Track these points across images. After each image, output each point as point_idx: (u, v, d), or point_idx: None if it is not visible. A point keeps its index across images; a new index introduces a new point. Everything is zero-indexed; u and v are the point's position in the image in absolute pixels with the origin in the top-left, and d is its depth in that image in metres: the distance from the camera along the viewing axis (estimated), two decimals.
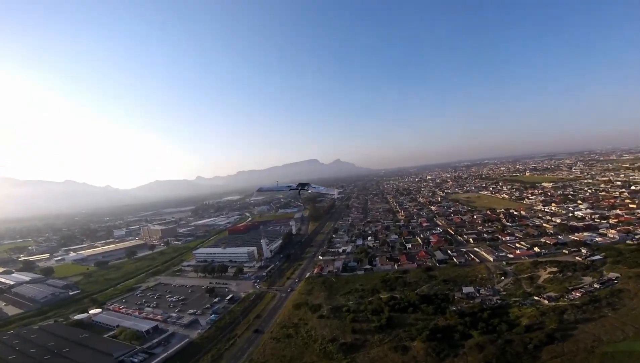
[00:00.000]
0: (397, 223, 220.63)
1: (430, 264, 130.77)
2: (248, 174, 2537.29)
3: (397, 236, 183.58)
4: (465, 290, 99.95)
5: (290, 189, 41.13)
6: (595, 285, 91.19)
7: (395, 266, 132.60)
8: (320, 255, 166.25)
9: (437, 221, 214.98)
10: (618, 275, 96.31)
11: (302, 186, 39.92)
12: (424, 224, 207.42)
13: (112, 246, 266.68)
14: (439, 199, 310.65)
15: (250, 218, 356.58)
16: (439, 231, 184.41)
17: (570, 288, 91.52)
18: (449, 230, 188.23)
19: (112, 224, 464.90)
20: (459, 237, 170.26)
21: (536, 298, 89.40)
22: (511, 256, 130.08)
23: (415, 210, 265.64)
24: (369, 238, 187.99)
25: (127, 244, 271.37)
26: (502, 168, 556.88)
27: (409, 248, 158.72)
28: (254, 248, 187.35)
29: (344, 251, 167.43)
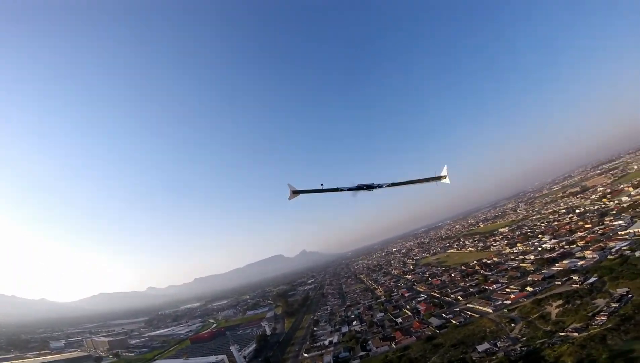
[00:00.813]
0: (378, 300, 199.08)
1: (429, 333, 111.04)
2: (206, 280, 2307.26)
3: (383, 314, 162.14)
4: (481, 347, 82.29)
5: (349, 190, 31.10)
6: (613, 305, 79.41)
7: (393, 345, 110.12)
8: (305, 352, 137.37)
9: (418, 288, 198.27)
10: (627, 289, 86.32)
11: (368, 187, 30.76)
12: (406, 294, 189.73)
13: (47, 358, 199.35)
14: (412, 267, 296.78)
15: (214, 325, 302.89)
16: (424, 298, 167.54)
17: (590, 314, 78.47)
18: (432, 294, 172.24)
19: (48, 335, 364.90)
20: (447, 298, 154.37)
21: (562, 334, 74.45)
22: (508, 302, 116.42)
23: (392, 283, 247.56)
24: (354, 322, 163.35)
25: (66, 355, 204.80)
26: (457, 226, 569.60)
27: (401, 323, 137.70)
28: (223, 356, 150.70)
29: (330, 342, 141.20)
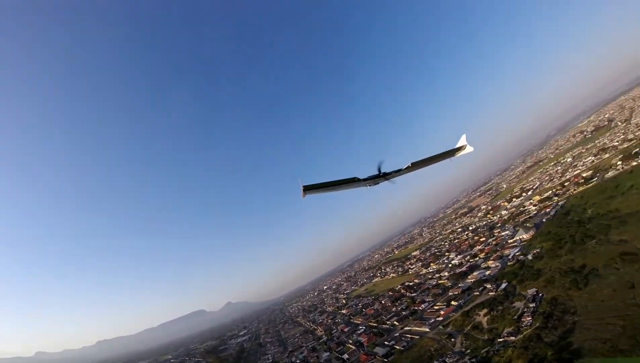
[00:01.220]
0: (320, 340, 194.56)
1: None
2: (112, 342, 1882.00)
3: (328, 353, 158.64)
4: None
5: (363, 180, 27.42)
6: (531, 305, 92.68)
7: None
8: None
9: (355, 321, 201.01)
10: (535, 289, 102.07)
11: (385, 175, 27.45)
12: (346, 329, 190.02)
13: None
14: (344, 301, 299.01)
15: None
16: (363, 329, 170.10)
17: (515, 317, 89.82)
18: (370, 323, 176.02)
19: None
20: (384, 325, 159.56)
21: (500, 340, 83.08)
22: (440, 318, 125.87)
23: (330, 320, 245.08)
24: None
25: None
26: (376, 256, 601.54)
27: (347, 358, 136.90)
28: None
29: None
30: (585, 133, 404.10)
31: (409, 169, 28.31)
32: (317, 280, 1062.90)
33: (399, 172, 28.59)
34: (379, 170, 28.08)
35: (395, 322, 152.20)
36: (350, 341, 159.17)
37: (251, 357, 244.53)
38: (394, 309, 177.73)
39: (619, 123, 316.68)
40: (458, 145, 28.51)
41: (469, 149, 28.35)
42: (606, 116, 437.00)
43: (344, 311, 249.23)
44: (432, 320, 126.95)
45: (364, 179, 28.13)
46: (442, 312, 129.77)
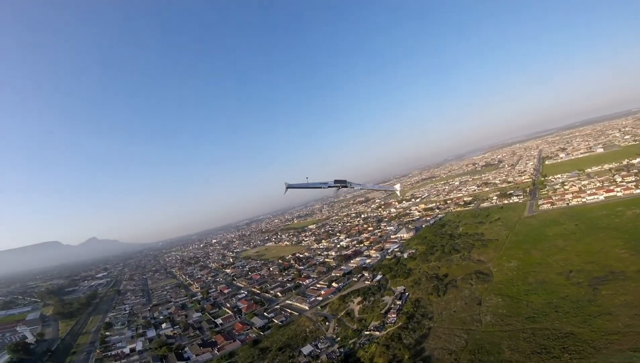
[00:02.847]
0: (194, 298, 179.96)
1: (254, 335, 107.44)
2: None
3: (200, 314, 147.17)
4: (306, 350, 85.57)
5: (328, 187, 35.84)
6: (397, 302, 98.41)
7: (216, 351, 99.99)
8: None
9: (238, 284, 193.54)
10: (403, 287, 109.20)
11: (341, 183, 35.73)
12: (226, 291, 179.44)
13: None
14: (232, 260, 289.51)
15: None
16: (244, 294, 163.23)
17: (383, 312, 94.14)
18: (253, 289, 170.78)
19: None
20: (267, 294, 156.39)
21: (367, 332, 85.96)
22: (320, 298, 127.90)
23: (210, 278, 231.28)
24: (164, 325, 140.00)
25: None
26: (276, 221, 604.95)
27: (221, 324, 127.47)
28: None
29: (132, 350, 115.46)
30: (476, 166, 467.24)
31: (359, 187, 39.19)
32: (207, 232, 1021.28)
33: (352, 186, 36.67)
34: (337, 181, 35.74)
35: (278, 293, 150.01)
36: (228, 305, 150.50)
37: (104, 305, 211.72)
38: (280, 278, 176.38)
39: (506, 166, 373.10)
40: (393, 188, 41.03)
41: (396, 192, 41.56)
42: (498, 156, 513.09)
43: (228, 271, 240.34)
44: (313, 299, 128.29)
45: (330, 186, 35.57)
46: (322, 292, 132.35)
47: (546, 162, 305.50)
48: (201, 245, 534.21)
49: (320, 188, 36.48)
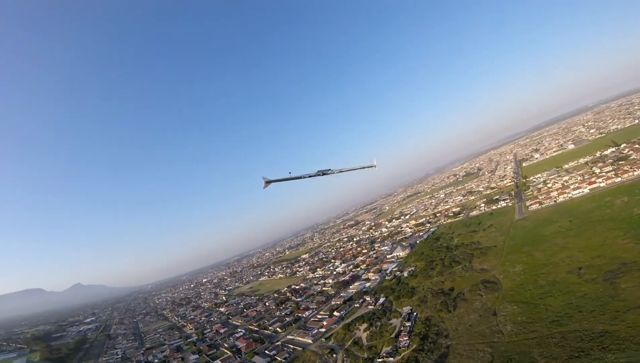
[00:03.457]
0: (189, 340, 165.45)
1: None
2: None
3: (197, 356, 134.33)
4: None
5: (309, 177, 36.17)
6: (406, 323, 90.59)
7: None
8: None
9: (234, 322, 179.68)
10: (410, 307, 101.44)
11: (324, 171, 36.96)
12: (222, 330, 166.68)
13: None
14: (225, 298, 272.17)
15: None
16: (242, 333, 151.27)
17: (393, 336, 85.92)
18: (250, 326, 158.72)
19: None
20: (265, 330, 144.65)
21: (380, 360, 77.42)
22: (323, 330, 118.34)
23: (204, 318, 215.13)
24: None
25: None
26: (267, 254, 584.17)
27: None
28: None
29: None
30: (457, 176, 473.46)
31: (337, 172, 38.69)
32: (197, 271, 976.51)
33: (331, 172, 37.57)
34: (320, 171, 37.17)
35: (278, 329, 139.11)
36: (226, 344, 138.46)
37: (94, 349, 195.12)
38: (277, 313, 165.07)
39: (486, 173, 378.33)
40: (370, 163, 42.68)
41: (375, 167, 42.82)
42: (476, 165, 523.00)
43: (222, 309, 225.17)
44: (315, 331, 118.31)
45: (311, 175, 36.17)
46: (325, 323, 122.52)
47: (523, 164, 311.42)
48: (192, 285, 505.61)
49: (301, 178, 35.80)
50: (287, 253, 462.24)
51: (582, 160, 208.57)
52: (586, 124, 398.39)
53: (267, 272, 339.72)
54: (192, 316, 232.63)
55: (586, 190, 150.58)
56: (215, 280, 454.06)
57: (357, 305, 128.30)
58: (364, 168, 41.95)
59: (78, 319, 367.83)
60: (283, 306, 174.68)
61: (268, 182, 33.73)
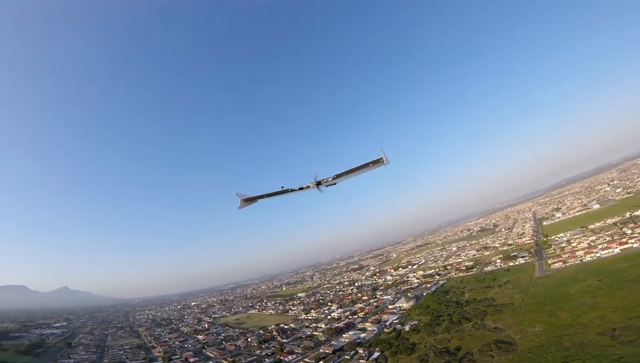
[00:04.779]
0: None
1: None
2: None
3: None
4: None
5: (301, 189, 26.82)
6: None
7: None
8: None
9: (208, 353, 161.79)
10: None
11: (318, 184, 26.32)
12: (191, 359, 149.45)
13: None
14: (207, 325, 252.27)
15: None
16: None
17: None
18: (223, 361, 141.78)
19: None
20: None
21: None
22: None
23: (177, 343, 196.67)
24: None
25: None
26: (263, 287, 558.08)
27: None
28: None
29: None
30: (471, 231, 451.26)
31: (335, 179, 27.21)
32: (188, 294, 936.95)
33: (327, 181, 27.28)
34: (316, 180, 27.10)
35: None
36: None
37: (46, 355, 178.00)
38: (258, 352, 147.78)
39: (503, 229, 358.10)
40: (376, 158, 25.95)
41: (385, 162, 25.74)
42: (492, 221, 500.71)
43: (200, 337, 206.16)
44: None
45: (298, 189, 27.32)
46: None
47: (544, 223, 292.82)
48: (178, 307, 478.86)
49: (289, 191, 26.56)
50: (284, 288, 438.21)
51: (609, 220, 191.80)
52: (611, 183, 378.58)
53: (259, 306, 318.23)
54: (166, 339, 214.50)
55: (616, 250, 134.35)
56: (204, 306, 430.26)
57: (348, 357, 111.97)
58: (369, 166, 26.01)
59: (47, 322, 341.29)
60: (266, 345, 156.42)
61: (246, 200, 25.85)
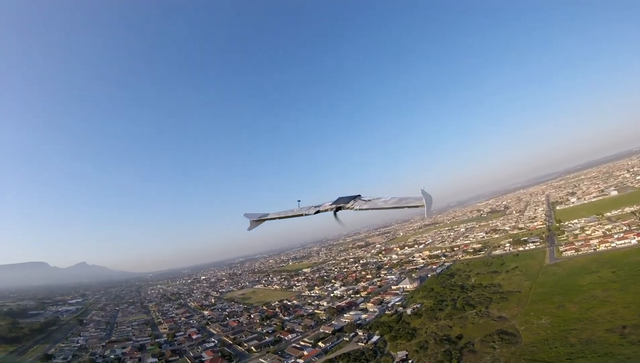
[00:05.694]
0: (157, 340, 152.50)
1: None
2: None
3: (155, 360, 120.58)
4: None
5: (317, 213, 20.62)
6: None
7: None
8: None
9: (211, 329, 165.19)
10: (405, 352, 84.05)
11: (339, 207, 19.20)
12: (194, 336, 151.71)
13: None
14: (213, 300, 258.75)
15: None
16: (214, 344, 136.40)
17: None
18: (225, 338, 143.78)
19: None
20: (239, 347, 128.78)
21: None
22: (301, 361, 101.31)
23: (183, 319, 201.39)
24: None
25: None
26: (271, 261, 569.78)
27: None
28: None
29: None
30: (481, 212, 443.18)
31: (357, 207, 19.48)
32: (199, 267, 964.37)
33: (349, 207, 19.64)
34: (336, 203, 20.25)
35: (252, 347, 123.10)
36: (191, 353, 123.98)
37: (58, 333, 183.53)
38: (259, 329, 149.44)
39: (514, 212, 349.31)
40: (415, 198, 17.25)
41: (426, 211, 16.77)
42: (503, 203, 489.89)
43: (205, 312, 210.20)
44: (292, 361, 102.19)
45: (315, 213, 21.30)
46: (305, 353, 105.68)
47: (557, 207, 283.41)
48: (189, 281, 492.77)
49: (303, 215, 22.30)
50: (290, 263, 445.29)
51: (627, 209, 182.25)
52: (631, 170, 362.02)
53: (265, 280, 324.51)
54: (173, 315, 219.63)
55: (634, 241, 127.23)
56: (213, 280, 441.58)
57: (347, 339, 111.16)
58: (404, 205, 18.31)
59: (64, 299, 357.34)
60: (267, 322, 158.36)
61: (256, 221, 24.24)
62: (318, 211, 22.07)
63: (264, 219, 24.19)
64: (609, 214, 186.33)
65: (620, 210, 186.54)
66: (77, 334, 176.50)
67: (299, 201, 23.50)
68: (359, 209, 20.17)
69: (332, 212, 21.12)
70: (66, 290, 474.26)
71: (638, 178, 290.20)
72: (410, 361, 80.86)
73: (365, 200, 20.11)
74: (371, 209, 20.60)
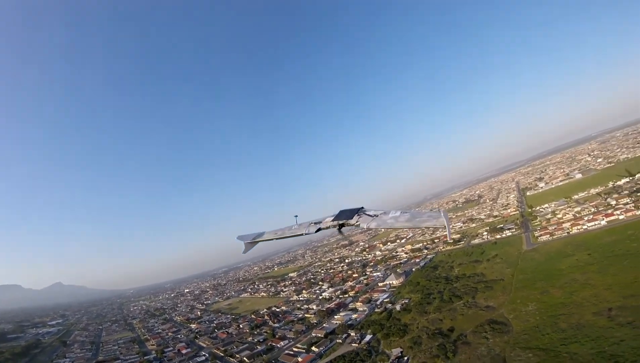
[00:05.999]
0: (146, 357, 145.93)
1: None
2: None
3: None
4: None
5: (319, 231, 19.19)
6: None
7: None
8: None
9: (201, 343, 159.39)
10: (400, 349, 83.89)
11: (342, 224, 18.07)
12: (184, 351, 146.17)
13: None
14: (199, 313, 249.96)
15: None
16: (204, 358, 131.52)
17: None
18: (216, 351, 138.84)
19: None
20: (231, 358, 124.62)
21: None
22: None
23: (170, 334, 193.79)
24: None
25: None
26: (256, 268, 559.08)
27: None
28: None
29: None
30: (457, 203, 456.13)
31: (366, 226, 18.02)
32: (182, 280, 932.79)
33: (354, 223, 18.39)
34: (338, 220, 18.99)
35: (245, 358, 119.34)
36: None
37: (42, 356, 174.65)
38: (250, 338, 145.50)
39: (487, 200, 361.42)
40: (434, 223, 15.96)
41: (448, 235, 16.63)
42: (477, 192, 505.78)
43: (193, 326, 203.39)
44: None
45: (316, 231, 20.29)
46: (299, 359, 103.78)
47: (527, 193, 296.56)
48: (172, 295, 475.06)
49: (303, 234, 21.02)
50: (276, 269, 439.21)
51: (593, 190, 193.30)
52: (592, 154, 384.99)
53: (251, 289, 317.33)
54: (159, 330, 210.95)
55: (603, 222, 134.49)
56: (197, 292, 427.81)
57: (340, 341, 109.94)
58: (419, 225, 16.87)
59: (43, 320, 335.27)
60: (258, 331, 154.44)
61: (250, 243, 22.91)
62: (319, 229, 20.51)
63: (259, 241, 22.74)
64: (576, 196, 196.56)
65: (586, 192, 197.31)
66: (62, 356, 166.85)
67: (296, 216, 21.90)
68: (367, 229, 19.17)
69: (335, 229, 19.90)
70: (44, 312, 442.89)
71: (599, 160, 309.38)
72: (406, 358, 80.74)
73: (370, 214, 19.03)
74: (380, 228, 19.25)
